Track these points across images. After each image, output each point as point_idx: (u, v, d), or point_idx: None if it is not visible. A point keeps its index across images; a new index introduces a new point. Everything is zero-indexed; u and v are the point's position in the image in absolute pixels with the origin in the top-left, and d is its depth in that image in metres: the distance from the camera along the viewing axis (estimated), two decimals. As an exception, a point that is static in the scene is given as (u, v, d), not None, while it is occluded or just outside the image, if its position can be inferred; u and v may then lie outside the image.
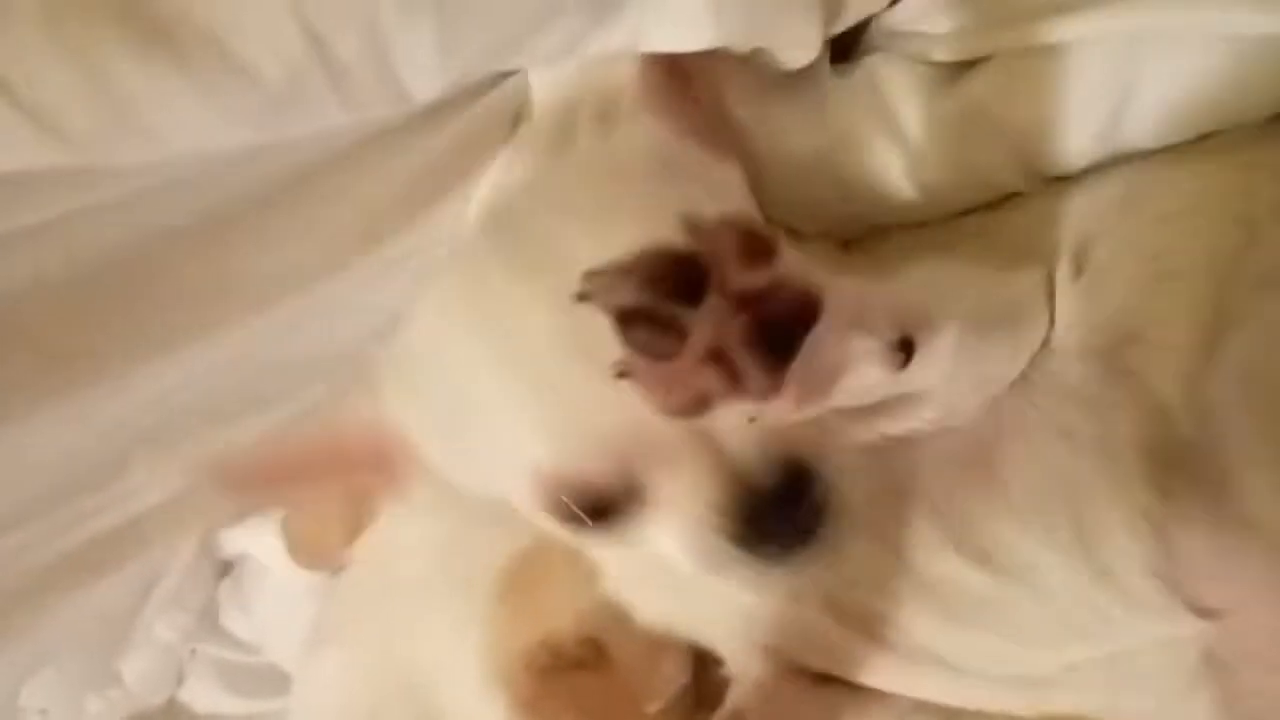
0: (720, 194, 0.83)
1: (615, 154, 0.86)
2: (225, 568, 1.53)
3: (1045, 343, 0.89)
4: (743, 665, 1.06)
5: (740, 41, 0.90)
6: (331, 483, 0.94)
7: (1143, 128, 0.88)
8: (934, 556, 0.88)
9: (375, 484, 0.96)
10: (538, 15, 0.84)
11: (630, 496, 0.75)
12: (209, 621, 1.52)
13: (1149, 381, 0.82)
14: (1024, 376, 0.88)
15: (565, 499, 0.75)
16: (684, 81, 0.90)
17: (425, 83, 0.86)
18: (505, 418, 0.74)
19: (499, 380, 0.73)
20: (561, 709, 1.02)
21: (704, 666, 1.13)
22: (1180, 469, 0.81)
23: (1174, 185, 0.89)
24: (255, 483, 0.89)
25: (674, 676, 1.18)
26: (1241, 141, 0.89)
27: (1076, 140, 0.91)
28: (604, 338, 0.59)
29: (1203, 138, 0.90)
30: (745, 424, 0.67)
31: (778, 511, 0.72)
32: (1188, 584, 0.81)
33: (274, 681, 1.44)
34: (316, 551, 1.27)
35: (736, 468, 0.71)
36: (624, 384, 0.60)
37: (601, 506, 0.76)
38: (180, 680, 1.58)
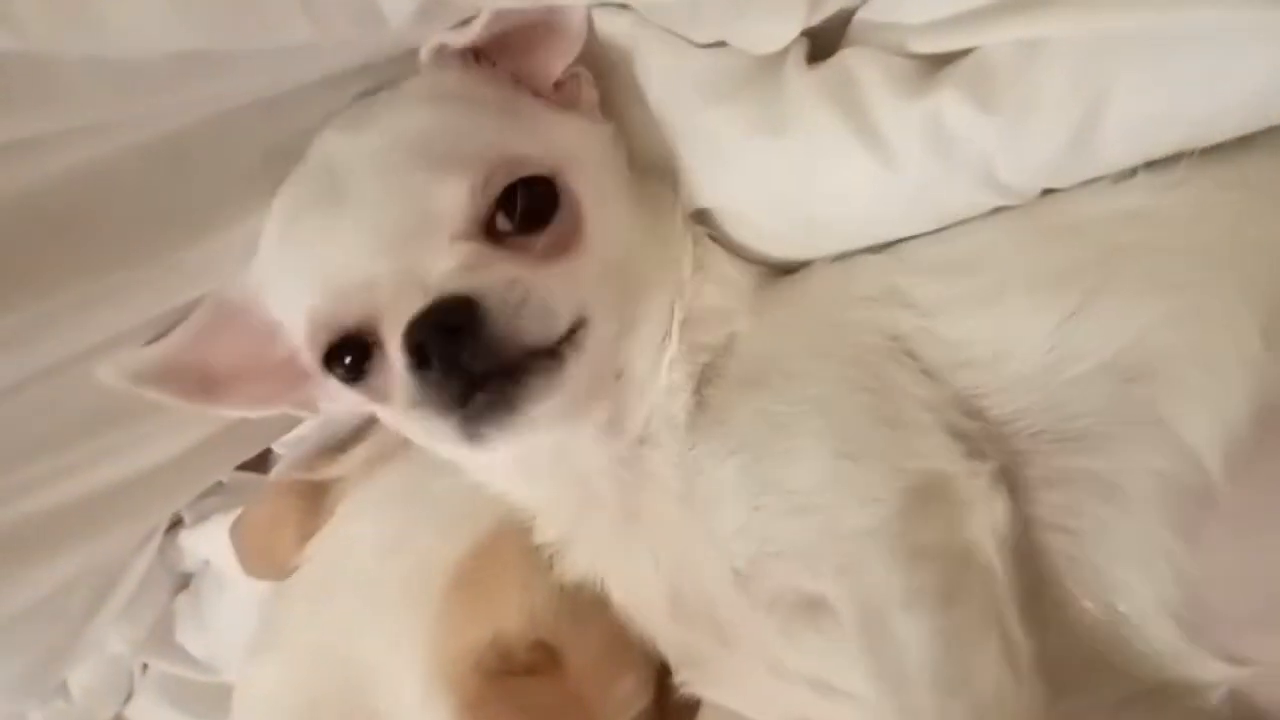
0: (518, 120, 0.95)
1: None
2: (183, 581, 1.49)
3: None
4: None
5: (720, 12, 0.89)
6: (249, 376, 1.04)
7: (1116, 139, 0.84)
8: None
9: (287, 380, 1.04)
10: None
11: (374, 342, 0.91)
12: (163, 636, 1.47)
13: (1176, 427, 0.79)
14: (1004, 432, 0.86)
15: (324, 337, 0.93)
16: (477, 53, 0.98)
17: (398, 2, 0.86)
18: (290, 280, 0.96)
19: (286, 252, 0.96)
20: (506, 714, 0.98)
21: (668, 686, 1.10)
22: (1212, 522, 0.78)
23: (1171, 210, 0.85)
24: (183, 380, 1.02)
25: (635, 695, 1.13)
26: (1226, 160, 0.85)
27: (1045, 149, 0.86)
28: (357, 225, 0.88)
29: (1178, 155, 0.86)
30: (452, 266, 0.86)
31: (447, 345, 0.83)
32: (1219, 635, 0.78)
33: (226, 702, 1.35)
34: (266, 558, 1.23)
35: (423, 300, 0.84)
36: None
37: (356, 353, 0.92)
38: (128, 697, 1.53)
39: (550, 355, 0.87)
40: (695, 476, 0.94)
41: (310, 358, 0.96)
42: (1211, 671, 0.79)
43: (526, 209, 0.90)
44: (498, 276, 0.85)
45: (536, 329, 0.86)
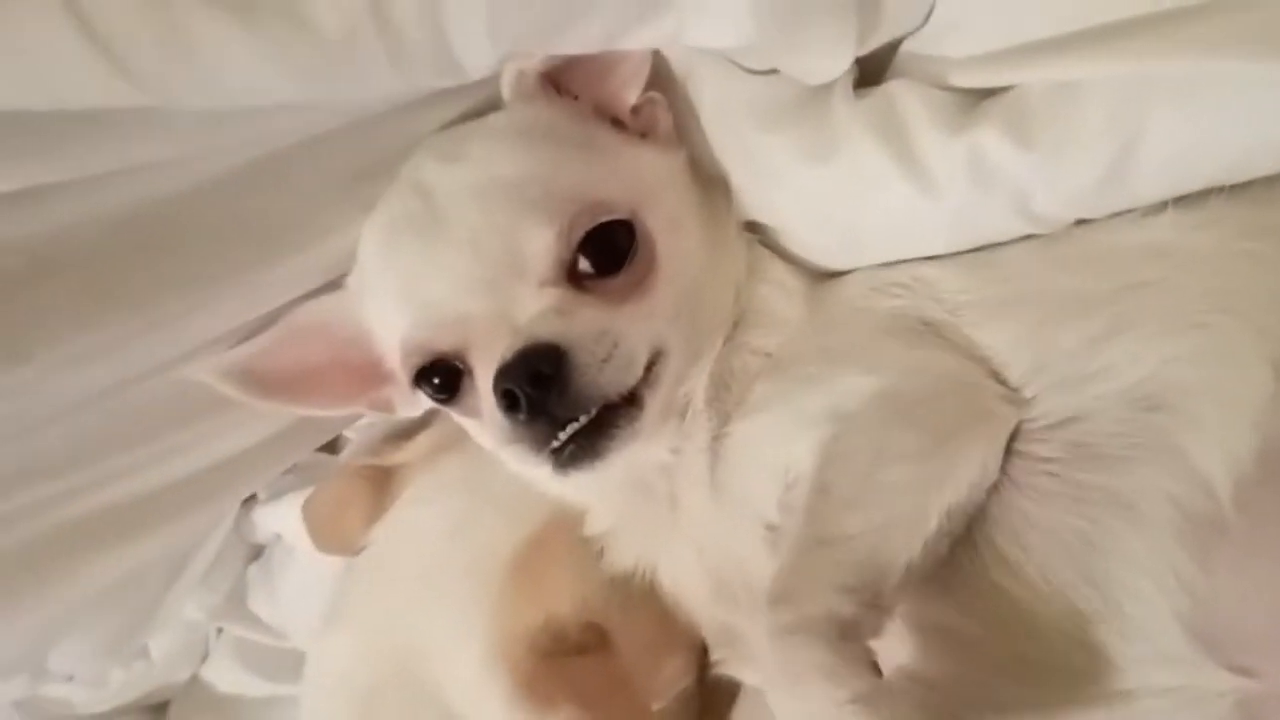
0: (600, 159, 1.01)
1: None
2: (255, 552, 1.55)
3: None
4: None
5: (775, 43, 0.93)
6: (333, 378, 1.11)
7: (1147, 176, 0.87)
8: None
9: (369, 383, 1.12)
10: (581, 5, 0.90)
11: (465, 369, 0.98)
12: (236, 603, 1.54)
13: (1191, 457, 0.82)
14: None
15: (417, 359, 0.99)
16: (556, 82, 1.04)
17: (476, 56, 0.92)
18: (387, 300, 1.02)
19: (385, 273, 1.02)
20: (560, 692, 1.03)
21: (711, 670, 1.15)
22: (1224, 547, 0.80)
23: (1195, 251, 0.88)
24: (270, 381, 1.08)
25: (678, 677, 1.19)
26: (1253, 205, 0.88)
27: (1079, 184, 0.89)
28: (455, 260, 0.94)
29: (1205, 194, 0.89)
30: (540, 310, 0.92)
31: (535, 387, 0.89)
32: (1231, 649, 0.81)
33: (295, 666, 1.43)
34: (336, 536, 1.29)
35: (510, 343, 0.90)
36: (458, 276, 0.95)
37: (446, 375, 1.00)
38: (204, 658, 1.61)
39: (630, 401, 0.93)
40: (721, 459, 0.99)
41: (402, 372, 1.03)
42: (1218, 681, 0.82)
43: (604, 251, 0.95)
44: (585, 326, 0.91)
45: (619, 378, 0.92)
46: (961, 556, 0.89)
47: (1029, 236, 0.96)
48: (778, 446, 0.93)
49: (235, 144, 0.96)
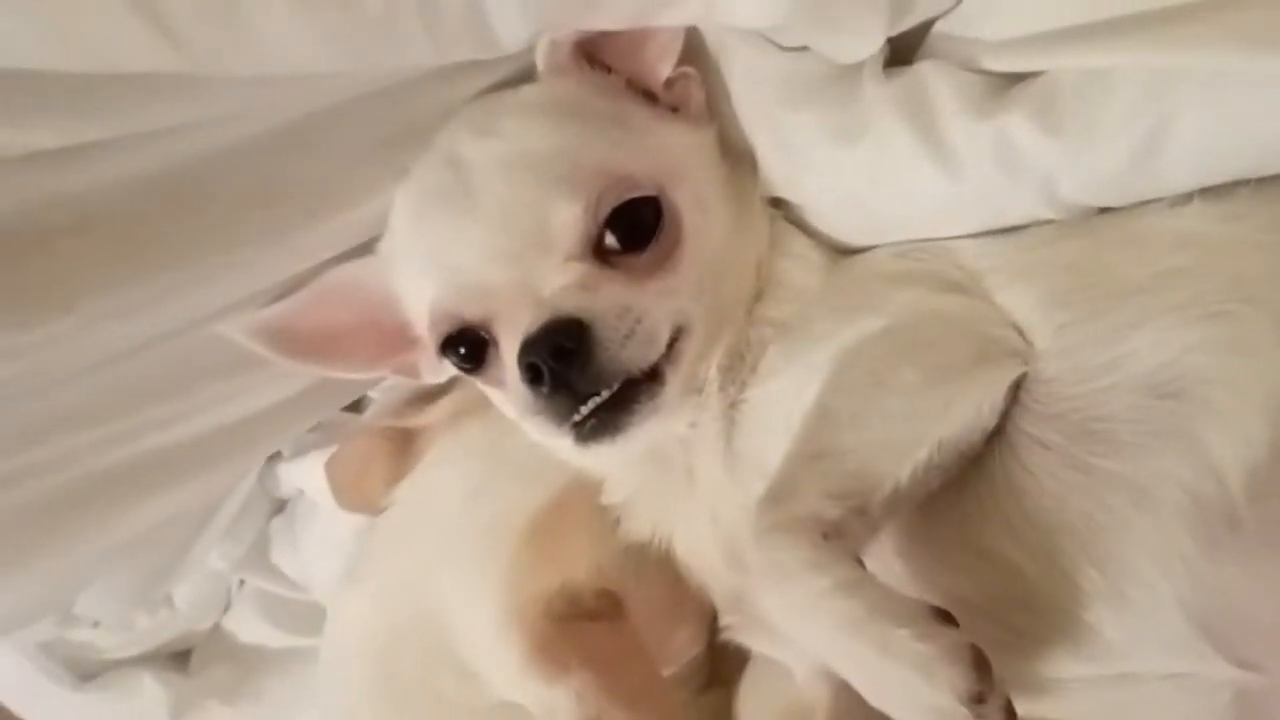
0: (630, 134, 1.01)
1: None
2: (278, 506, 1.58)
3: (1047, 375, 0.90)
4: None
5: (806, 22, 0.93)
6: (361, 341, 1.13)
7: (1175, 167, 0.86)
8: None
9: (396, 347, 1.14)
10: None
11: (490, 338, 1.00)
12: (259, 555, 1.57)
13: (1206, 447, 0.81)
14: (1028, 405, 0.90)
15: (444, 327, 1.01)
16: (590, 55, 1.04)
17: (511, 30, 0.93)
18: (417, 267, 1.04)
19: (416, 241, 1.04)
20: (573, 655, 1.05)
21: (720, 641, 1.17)
22: (1234, 538, 0.80)
23: (1222, 242, 0.88)
24: (299, 341, 1.11)
25: (689, 645, 1.22)
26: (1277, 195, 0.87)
27: (1106, 172, 0.89)
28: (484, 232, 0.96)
29: (1233, 186, 0.89)
30: (565, 283, 0.93)
31: (558, 361, 0.90)
32: (1234, 640, 0.81)
33: (315, 619, 1.46)
34: (358, 494, 1.31)
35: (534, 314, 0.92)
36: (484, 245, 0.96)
37: (472, 345, 1.01)
38: (226, 608, 1.64)
39: (652, 377, 0.94)
40: (737, 426, 1.00)
41: (429, 339, 1.05)
42: (1218, 671, 0.82)
43: (630, 227, 0.96)
44: (609, 302, 0.92)
45: (641, 354, 0.93)
46: (967, 520, 0.89)
47: None
48: (790, 407, 0.93)
49: (273, 107, 0.97)
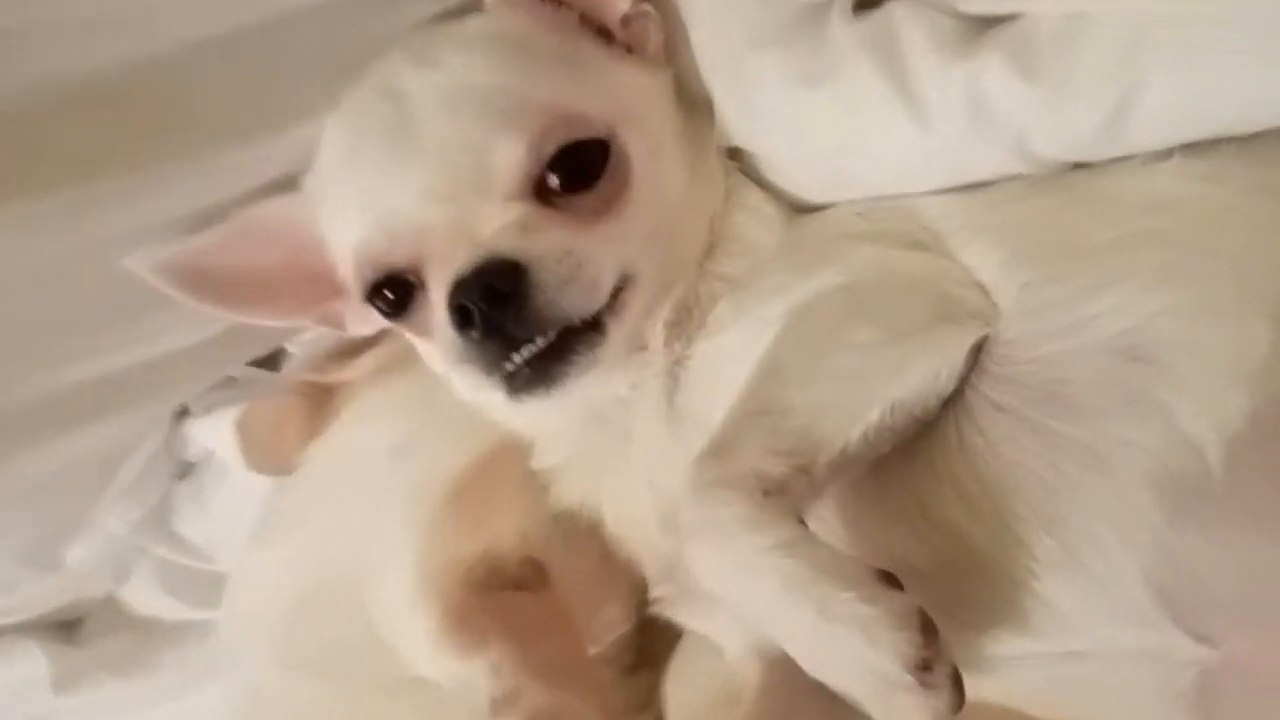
0: (581, 72, 0.96)
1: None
2: (185, 470, 1.49)
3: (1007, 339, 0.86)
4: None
5: None
6: (282, 285, 1.06)
7: (1153, 119, 0.83)
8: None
9: (320, 295, 1.07)
10: None
11: (418, 282, 0.94)
12: (161, 521, 1.48)
13: (1175, 413, 0.78)
14: (986, 367, 0.86)
15: (370, 274, 0.95)
16: None
17: None
18: (345, 206, 0.98)
19: (346, 177, 0.98)
20: (491, 627, 1.01)
21: (649, 620, 1.12)
22: (1204, 508, 0.77)
23: (1200, 204, 0.85)
24: (213, 282, 1.03)
25: (617, 621, 1.16)
26: (1262, 163, 0.84)
27: (1082, 123, 0.85)
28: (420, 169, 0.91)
29: (1215, 143, 0.86)
30: (503, 224, 0.88)
31: (490, 304, 0.85)
32: (1196, 614, 0.78)
33: (219, 591, 1.39)
34: (270, 454, 1.25)
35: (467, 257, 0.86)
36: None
37: (398, 290, 0.95)
38: (123, 578, 1.55)
39: (593, 326, 0.90)
40: (681, 384, 0.96)
41: (354, 285, 0.99)
42: (1180, 648, 0.79)
43: (576, 168, 0.91)
44: (549, 244, 0.87)
45: (582, 301, 0.88)
46: (916, 481, 0.86)
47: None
48: (740, 362, 0.89)
49: (199, 14, 0.91)
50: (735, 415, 0.85)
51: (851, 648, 0.70)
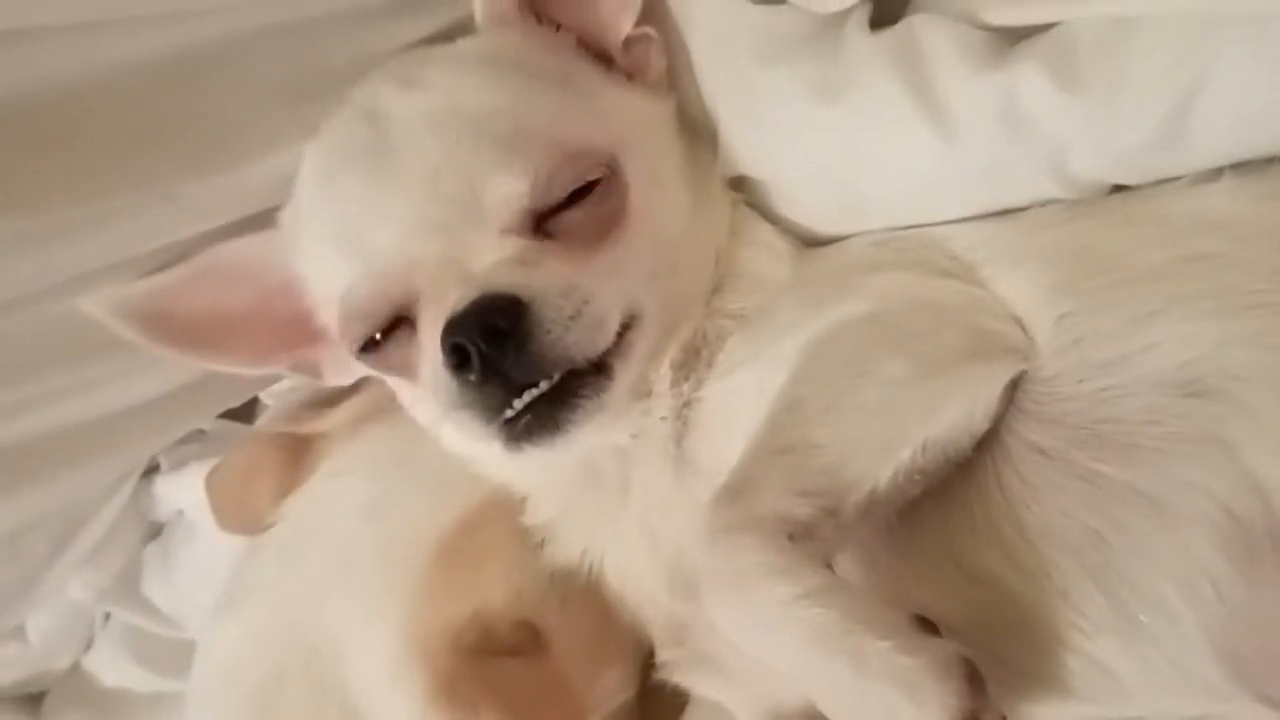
0: (578, 98, 0.91)
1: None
2: (154, 531, 1.43)
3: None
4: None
5: None
6: (253, 330, 1.00)
7: (1209, 131, 0.79)
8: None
9: (294, 340, 1.01)
10: None
11: (406, 319, 0.88)
12: (128, 586, 1.42)
13: (1242, 452, 0.73)
14: (1025, 407, 0.81)
15: (361, 328, 0.88)
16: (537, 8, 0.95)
17: None
18: (326, 243, 0.91)
19: (326, 210, 0.92)
20: (484, 696, 0.93)
21: (654, 683, 1.04)
22: (1273, 557, 0.71)
23: (1260, 224, 0.80)
24: (177, 326, 0.98)
25: (618, 687, 1.09)
26: None
27: (1130, 137, 0.81)
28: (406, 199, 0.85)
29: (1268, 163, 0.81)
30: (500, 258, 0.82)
31: (489, 343, 0.78)
32: (1267, 677, 0.72)
33: (188, 659, 1.29)
34: (241, 511, 1.17)
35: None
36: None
37: (386, 329, 0.88)
38: (88, 646, 1.48)
39: (598, 369, 0.84)
40: (691, 427, 0.90)
41: (340, 335, 0.92)
42: (1243, 713, 0.73)
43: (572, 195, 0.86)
44: (550, 278, 0.82)
45: (588, 341, 0.82)
46: (953, 532, 0.80)
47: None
48: (753, 403, 0.83)
49: (157, 27, 0.85)
50: (754, 454, 0.79)
51: (892, 704, 0.65)
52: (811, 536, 0.73)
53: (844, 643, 0.67)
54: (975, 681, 0.65)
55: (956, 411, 0.79)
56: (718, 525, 0.74)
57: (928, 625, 0.70)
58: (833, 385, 0.81)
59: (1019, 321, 0.84)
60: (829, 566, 0.73)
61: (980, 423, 0.80)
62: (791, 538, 0.72)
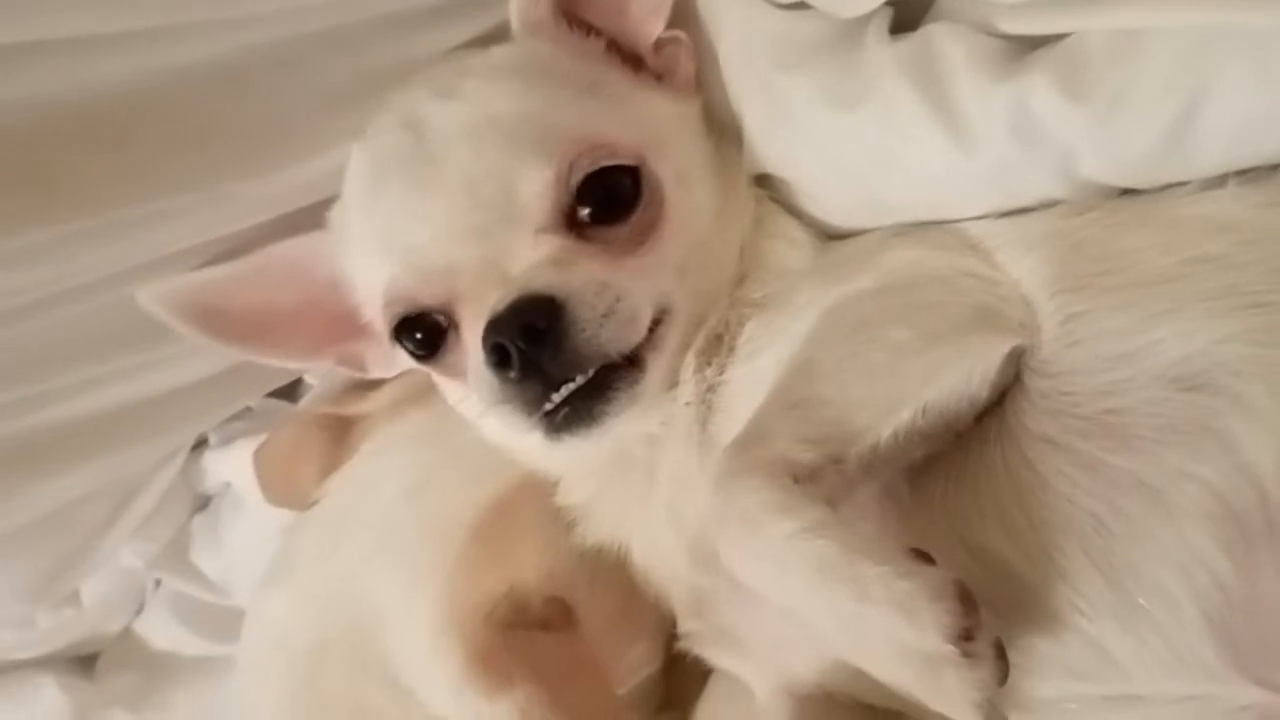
0: (608, 101, 0.94)
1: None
2: (203, 502, 1.48)
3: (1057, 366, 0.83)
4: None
5: None
6: (301, 325, 1.03)
7: (1212, 140, 0.80)
8: None
9: (339, 336, 1.04)
10: None
11: (450, 323, 0.92)
12: (178, 554, 1.47)
13: (1239, 443, 0.75)
14: (1034, 399, 0.83)
15: (399, 309, 0.92)
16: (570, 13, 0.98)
17: None
18: (371, 243, 0.95)
19: (371, 215, 0.95)
20: (517, 668, 0.96)
21: (678, 660, 1.08)
22: (1269, 545, 0.73)
23: (1262, 228, 0.81)
24: (228, 320, 1.01)
25: (644, 662, 1.12)
26: None
27: (1136, 145, 0.82)
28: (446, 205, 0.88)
29: (1272, 171, 0.83)
30: (537, 259, 0.86)
31: (528, 342, 0.82)
32: (1265, 658, 0.74)
33: (236, 626, 1.34)
34: (287, 487, 1.22)
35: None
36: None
37: (428, 331, 0.93)
38: (139, 611, 1.53)
39: (632, 362, 0.87)
40: (715, 410, 0.93)
41: (380, 323, 0.97)
42: (1239, 694, 0.75)
43: (607, 199, 0.89)
44: (586, 279, 0.85)
45: (621, 336, 0.86)
46: (961, 513, 0.83)
47: None
48: (773, 380, 0.86)
49: (207, 33, 0.88)
50: (765, 409, 0.83)
51: (890, 626, 0.68)
52: (815, 481, 0.76)
53: (844, 572, 0.70)
54: (968, 602, 0.68)
55: (955, 377, 0.81)
56: (726, 470, 0.78)
57: (923, 556, 0.72)
58: (842, 348, 0.85)
59: (1027, 303, 0.86)
60: (832, 506, 0.76)
61: (979, 389, 0.82)
62: (796, 480, 0.75)
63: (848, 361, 0.83)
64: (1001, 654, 0.68)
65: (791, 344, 0.87)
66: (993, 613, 0.75)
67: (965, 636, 0.67)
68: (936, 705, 0.69)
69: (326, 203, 1.02)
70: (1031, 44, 0.85)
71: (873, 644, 0.71)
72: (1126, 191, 0.87)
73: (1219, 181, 0.83)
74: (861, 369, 0.83)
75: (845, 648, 0.73)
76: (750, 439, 0.80)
